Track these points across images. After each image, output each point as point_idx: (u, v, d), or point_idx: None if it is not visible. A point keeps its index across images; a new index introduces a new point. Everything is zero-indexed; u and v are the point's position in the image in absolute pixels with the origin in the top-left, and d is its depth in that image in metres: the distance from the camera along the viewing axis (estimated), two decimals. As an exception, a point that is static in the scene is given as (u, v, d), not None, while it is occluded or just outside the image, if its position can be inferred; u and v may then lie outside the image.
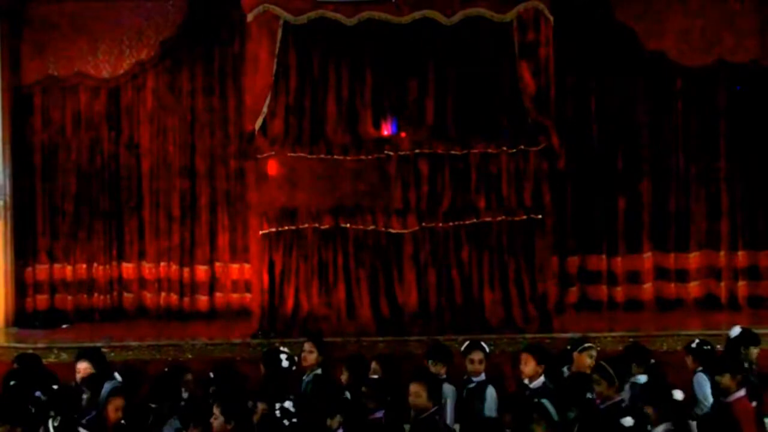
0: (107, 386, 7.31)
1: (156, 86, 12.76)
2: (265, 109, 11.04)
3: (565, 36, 11.65)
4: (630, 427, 6.16)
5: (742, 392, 7.05)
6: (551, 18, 11.05)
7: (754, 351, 8.34)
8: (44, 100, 12.76)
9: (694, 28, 12.32)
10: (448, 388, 7.74)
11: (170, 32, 12.50)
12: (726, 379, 7.03)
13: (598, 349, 9.89)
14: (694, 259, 12.61)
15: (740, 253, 12.55)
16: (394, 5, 11.08)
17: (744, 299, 12.47)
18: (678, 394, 6.49)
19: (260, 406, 7.08)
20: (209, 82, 12.74)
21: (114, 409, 7.08)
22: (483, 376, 8.08)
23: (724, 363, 7.26)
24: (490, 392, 7.91)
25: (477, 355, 8.12)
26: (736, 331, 8.54)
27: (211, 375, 7.97)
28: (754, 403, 7.22)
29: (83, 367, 8.11)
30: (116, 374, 7.71)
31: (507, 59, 11.11)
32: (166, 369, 8.42)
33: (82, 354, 8.41)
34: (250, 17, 11.07)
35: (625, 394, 7.42)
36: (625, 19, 12.32)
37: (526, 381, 7.89)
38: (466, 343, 8.37)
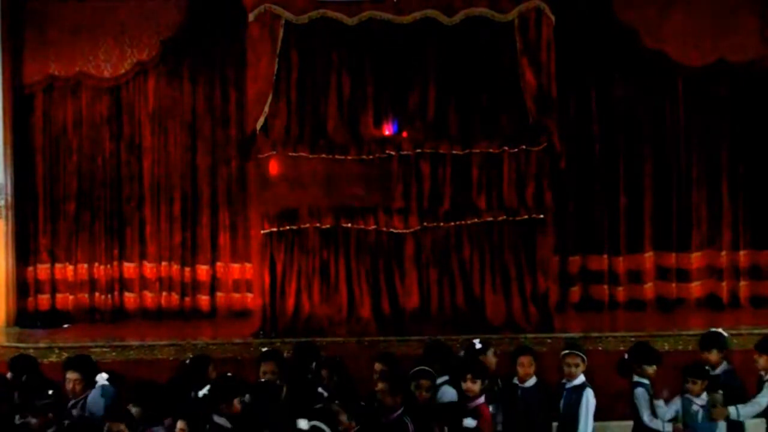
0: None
1: (157, 86, 12.76)
2: (266, 109, 11.02)
3: (566, 36, 11.62)
4: None
5: None
6: (552, 18, 11.03)
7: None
8: (45, 100, 12.77)
9: (695, 28, 12.29)
10: (447, 390, 7.66)
11: (171, 32, 12.49)
12: None
13: (600, 348, 9.98)
14: (695, 259, 12.60)
15: (742, 252, 12.54)
16: (395, 5, 11.08)
17: (746, 299, 12.46)
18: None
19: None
20: (210, 82, 12.74)
21: None
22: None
23: None
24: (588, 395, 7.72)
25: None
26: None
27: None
28: None
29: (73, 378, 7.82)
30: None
31: (508, 59, 11.09)
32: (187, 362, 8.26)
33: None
34: (251, 17, 11.06)
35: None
36: (626, 18, 12.30)
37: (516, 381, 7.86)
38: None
